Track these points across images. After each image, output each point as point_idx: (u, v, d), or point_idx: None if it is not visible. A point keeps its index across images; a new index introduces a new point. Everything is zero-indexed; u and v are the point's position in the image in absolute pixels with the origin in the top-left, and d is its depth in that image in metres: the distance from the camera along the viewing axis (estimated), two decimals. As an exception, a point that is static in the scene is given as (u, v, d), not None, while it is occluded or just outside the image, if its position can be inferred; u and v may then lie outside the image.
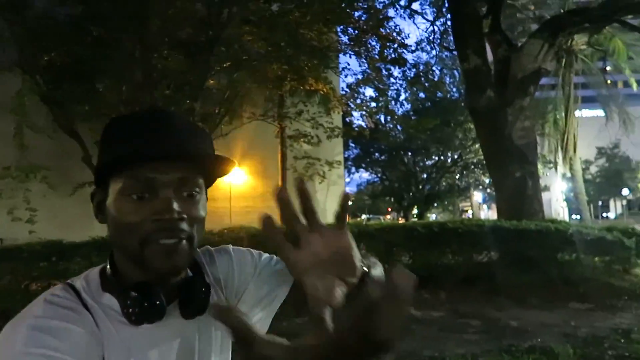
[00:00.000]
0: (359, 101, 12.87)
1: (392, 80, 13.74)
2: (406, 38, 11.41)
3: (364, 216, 37.00)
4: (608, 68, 21.66)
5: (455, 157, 23.41)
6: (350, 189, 34.01)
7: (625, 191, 49.41)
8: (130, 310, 0.69)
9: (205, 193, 0.77)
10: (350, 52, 11.14)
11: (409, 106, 23.18)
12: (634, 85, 20.79)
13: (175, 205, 0.69)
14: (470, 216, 33.41)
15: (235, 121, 11.05)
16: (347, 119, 14.62)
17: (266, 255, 0.91)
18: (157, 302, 0.70)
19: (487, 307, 6.47)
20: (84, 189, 8.71)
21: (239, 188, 14.16)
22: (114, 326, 0.69)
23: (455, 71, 21.87)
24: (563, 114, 20.39)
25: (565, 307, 6.53)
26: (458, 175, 23.87)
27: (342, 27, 11.05)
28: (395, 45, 10.87)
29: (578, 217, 26.03)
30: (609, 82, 21.92)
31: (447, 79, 22.81)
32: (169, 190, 0.70)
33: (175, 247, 0.69)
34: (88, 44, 7.64)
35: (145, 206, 0.69)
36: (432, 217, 29.60)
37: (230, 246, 0.91)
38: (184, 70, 8.24)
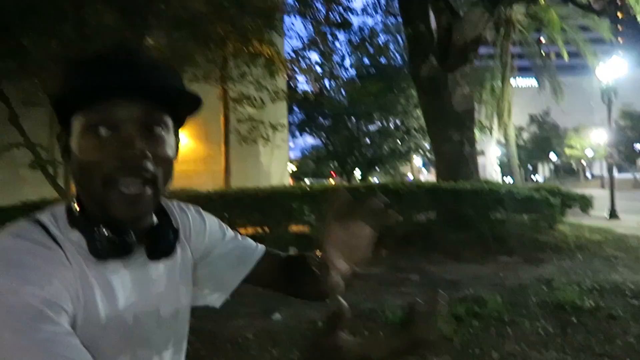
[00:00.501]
0: (304, 65, 12.79)
1: (337, 45, 13.71)
2: (352, 1, 11.37)
3: (308, 180, 37.27)
4: (542, 39, 22.59)
5: (398, 122, 23.86)
6: (294, 154, 34.07)
7: (552, 156, 52.51)
8: (98, 244, 0.67)
9: (174, 134, 0.74)
10: (295, 14, 10.94)
11: (353, 72, 23.27)
12: (566, 56, 21.84)
13: (138, 143, 0.66)
14: (411, 179, 34.44)
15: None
16: (292, 83, 14.50)
17: (225, 226, 0.95)
18: (125, 238, 0.69)
19: (425, 263, 6.81)
20: (10, 152, 8.19)
21: (181, 151, 13.73)
22: (83, 262, 0.68)
23: (399, 37, 22.09)
24: (499, 83, 21.21)
25: (496, 260, 6.99)
26: (400, 140, 24.38)
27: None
28: (341, 9, 10.78)
29: (510, 179, 27.50)
30: (542, 53, 22.91)
31: (392, 45, 23.02)
32: (132, 126, 0.66)
33: (138, 197, 0.67)
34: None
35: (107, 144, 0.66)
36: (374, 180, 30.26)
37: (200, 208, 0.93)
38: (120, 27, 7.81)
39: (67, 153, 0.71)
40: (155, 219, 0.78)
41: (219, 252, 0.90)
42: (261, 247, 0.95)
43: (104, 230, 0.68)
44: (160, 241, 0.75)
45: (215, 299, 0.94)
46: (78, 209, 0.70)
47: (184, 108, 0.74)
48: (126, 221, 0.68)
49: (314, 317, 4.40)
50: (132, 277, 0.73)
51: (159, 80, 0.69)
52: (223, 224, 0.95)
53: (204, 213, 0.92)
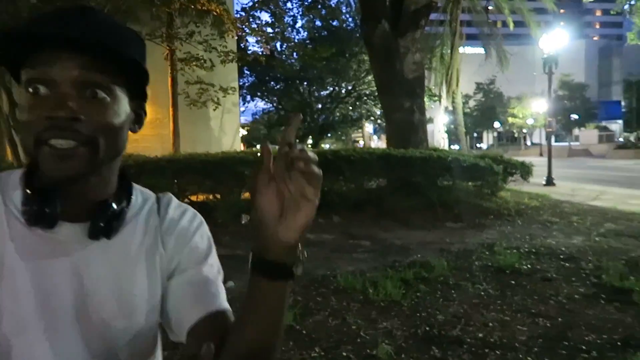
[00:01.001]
0: (254, 26, 12.39)
1: (288, 5, 13.35)
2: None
3: (258, 146, 36.88)
4: (490, 7, 22.98)
5: (349, 88, 23.84)
6: (246, 118, 33.49)
7: (496, 124, 54.42)
8: (25, 209, 0.65)
9: (124, 101, 0.69)
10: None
11: (305, 34, 22.86)
12: (511, 25, 22.39)
13: (72, 104, 0.62)
14: (362, 146, 34.82)
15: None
16: (242, 45, 14.07)
17: (211, 258, 0.83)
18: (47, 207, 0.65)
19: (375, 229, 6.98)
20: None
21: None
22: (13, 223, 0.66)
23: (351, 0, 21.80)
24: (449, 50, 21.52)
25: (442, 226, 7.26)
26: (351, 106, 24.43)
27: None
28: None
29: (457, 147, 28.36)
30: (490, 21, 23.36)
31: (344, 8, 22.70)
32: (69, 86, 0.63)
33: (70, 152, 0.63)
34: None
35: (42, 103, 0.62)
36: (326, 146, 30.36)
37: (201, 217, 0.85)
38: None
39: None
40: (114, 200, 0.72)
41: (186, 278, 0.78)
42: (225, 304, 0.79)
43: (28, 193, 0.65)
44: (99, 217, 0.69)
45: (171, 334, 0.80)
46: (27, 170, 0.69)
47: (134, 77, 0.69)
48: (57, 179, 0.64)
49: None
50: (63, 249, 0.68)
51: (100, 37, 0.63)
52: (214, 253, 0.84)
53: (201, 227, 0.84)
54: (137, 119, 0.75)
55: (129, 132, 0.73)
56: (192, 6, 9.90)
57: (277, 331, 0.69)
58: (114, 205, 0.71)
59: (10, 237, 0.66)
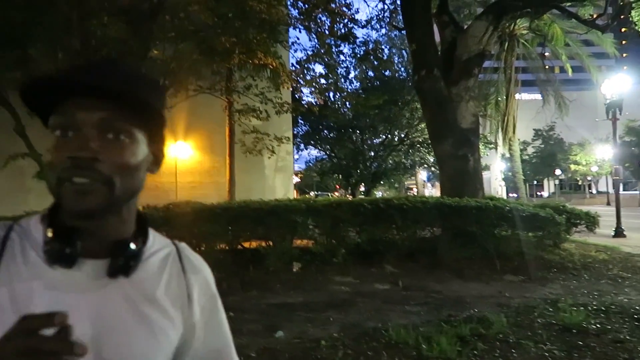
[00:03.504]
0: (308, 77, 12.78)
1: (341, 57, 13.71)
2: (356, 13, 11.38)
3: (312, 193, 37.21)
4: (546, 53, 22.63)
5: (402, 136, 23.84)
6: (299, 166, 34.06)
7: (557, 171, 52.32)
8: (46, 249, 0.68)
9: (143, 144, 0.73)
10: (300, 26, 10.98)
11: (358, 84, 23.30)
12: (569, 71, 21.86)
13: (93, 145, 0.66)
14: (415, 193, 34.38)
15: (180, 94, 10.71)
16: (297, 95, 14.50)
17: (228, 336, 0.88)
18: (67, 248, 0.67)
19: (429, 280, 6.73)
20: (16, 161, 8.23)
21: (185, 163, 13.84)
22: (34, 263, 0.69)
23: (403, 51, 22.14)
24: (504, 97, 21.21)
25: (501, 279, 6.90)
26: (404, 154, 24.34)
27: (292, 0, 10.87)
28: (346, 21, 10.80)
29: (515, 195, 27.38)
30: (546, 67, 22.94)
31: (396, 58, 23.07)
32: (91, 129, 0.67)
33: (87, 188, 0.66)
34: (20, 6, 7.11)
35: (66, 144, 0.67)
36: (378, 194, 30.18)
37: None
38: (125, 38, 7.85)
39: None
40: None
41: (204, 337, 0.82)
42: None
43: (49, 233, 0.68)
44: (118, 255, 0.71)
45: None
46: (51, 208, 0.72)
47: (153, 121, 0.73)
48: (76, 215, 0.67)
49: (318, 336, 4.34)
50: (81, 287, 0.69)
51: (121, 85, 0.68)
52: (225, 321, 0.88)
53: (216, 296, 0.86)
54: (155, 160, 0.78)
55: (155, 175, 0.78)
56: (250, 61, 10.37)
57: None
58: (132, 245, 0.73)
59: (32, 277, 0.68)
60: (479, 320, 4.69)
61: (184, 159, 13.84)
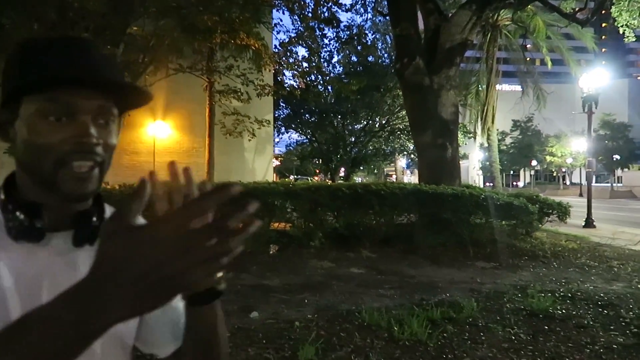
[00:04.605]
0: (291, 60, 12.68)
1: (325, 40, 13.63)
2: (340, -3, 11.25)
3: (292, 177, 37.17)
4: (528, 45, 22.86)
5: (383, 122, 23.91)
6: (279, 149, 33.94)
7: (534, 162, 53.28)
8: (11, 225, 0.69)
9: (118, 122, 0.77)
10: (283, 7, 10.86)
11: (340, 69, 23.24)
12: (549, 64, 22.15)
13: (93, 131, 0.70)
14: (394, 180, 34.67)
15: (160, 72, 10.52)
16: (279, 78, 14.39)
17: None
18: (36, 221, 0.69)
19: (404, 265, 6.85)
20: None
21: (164, 142, 13.67)
22: None
23: (387, 37, 22.11)
24: (484, 87, 21.41)
25: (473, 265, 7.07)
26: (384, 140, 24.45)
27: (276, -20, 10.72)
28: (330, 4, 10.72)
29: (491, 184, 27.84)
30: (527, 59, 23.19)
31: (380, 44, 23.03)
32: (87, 115, 0.70)
33: (88, 174, 0.70)
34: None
35: (63, 129, 0.69)
36: (358, 180, 30.32)
37: None
38: (105, 12, 7.66)
39: (4, 133, 0.74)
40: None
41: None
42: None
43: (17, 212, 0.69)
44: (83, 225, 0.74)
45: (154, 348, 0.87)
46: (4, 191, 0.73)
47: (131, 101, 0.77)
48: (73, 198, 0.71)
49: (292, 317, 4.40)
50: (49, 261, 0.71)
51: (114, 74, 0.74)
52: None
53: None
54: (118, 132, 0.81)
55: None
56: (232, 41, 10.24)
57: (223, 342, 0.78)
58: (93, 213, 0.76)
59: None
60: (450, 304, 4.82)
61: (163, 139, 13.67)
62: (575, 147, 45.07)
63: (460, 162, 11.29)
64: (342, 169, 25.77)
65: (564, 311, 4.75)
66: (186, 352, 0.80)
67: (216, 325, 0.76)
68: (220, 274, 0.68)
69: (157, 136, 13.49)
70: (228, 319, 4.31)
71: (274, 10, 11.72)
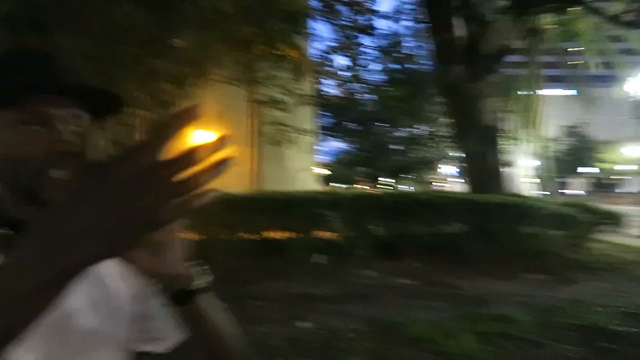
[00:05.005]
0: (330, 69, 12.74)
1: (364, 49, 13.63)
2: (376, 4, 11.27)
3: (335, 185, 37.12)
4: (573, 49, 22.08)
5: (426, 129, 23.64)
6: (322, 158, 34.04)
7: (585, 169, 51.25)
8: None
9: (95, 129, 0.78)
10: (321, 18, 10.93)
11: (380, 77, 23.17)
12: (597, 67, 21.30)
13: (68, 138, 0.71)
14: (439, 188, 34.14)
15: (203, 84, 10.77)
16: (319, 87, 14.49)
17: None
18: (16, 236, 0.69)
19: (452, 276, 6.67)
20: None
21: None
22: None
23: (426, 44, 21.87)
24: (529, 92, 20.79)
25: (524, 277, 6.80)
26: (428, 147, 24.15)
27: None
28: (366, 15, 10.72)
29: (541, 192, 26.91)
30: (573, 62, 22.40)
31: (419, 51, 22.82)
32: (62, 124, 0.71)
33: (64, 180, 0.69)
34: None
35: (39, 138, 0.69)
36: (401, 188, 29.99)
37: None
38: (147, 26, 7.90)
39: None
40: None
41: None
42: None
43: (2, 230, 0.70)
44: None
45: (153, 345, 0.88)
46: None
47: (106, 108, 0.78)
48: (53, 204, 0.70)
49: (339, 327, 4.37)
50: None
51: (82, 81, 0.76)
52: None
53: None
54: None
55: None
56: (272, 52, 10.37)
57: (221, 339, 0.79)
58: None
59: None
60: (501, 318, 4.65)
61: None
62: (628, 154, 43.08)
63: (507, 169, 10.98)
64: (386, 177, 25.58)
65: (624, 327, 4.49)
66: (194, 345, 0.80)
67: (207, 322, 0.75)
68: (193, 271, 0.71)
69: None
70: (276, 328, 4.33)
71: (313, 21, 11.81)
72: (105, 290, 0.81)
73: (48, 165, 0.69)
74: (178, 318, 0.74)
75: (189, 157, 0.43)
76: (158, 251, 0.64)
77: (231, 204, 7.10)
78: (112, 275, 0.83)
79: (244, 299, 4.76)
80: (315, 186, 16.62)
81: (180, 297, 0.71)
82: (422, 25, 19.85)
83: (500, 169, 9.92)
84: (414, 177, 31.47)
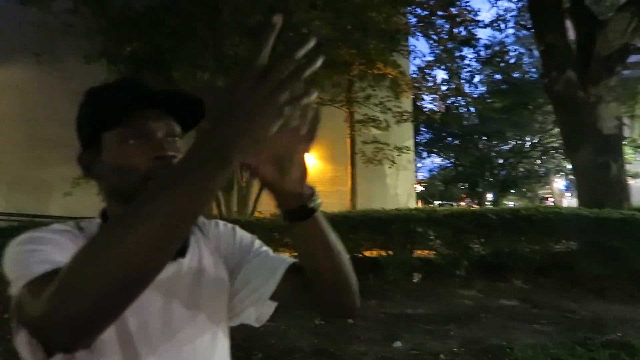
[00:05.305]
0: (429, 84, 12.55)
1: (464, 61, 13.25)
2: (477, 14, 10.87)
3: (436, 202, 36.15)
4: None
5: (535, 141, 22.24)
6: (422, 174, 33.38)
7: None
8: None
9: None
10: (419, 33, 10.85)
11: (483, 88, 22.30)
12: None
13: (167, 146, 0.82)
14: (551, 204, 31.78)
15: (304, 108, 11.14)
16: (418, 103, 14.29)
17: (257, 241, 1.01)
18: None
19: (563, 298, 6.16)
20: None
21: (309, 172, 14.37)
22: None
23: (534, 50, 20.70)
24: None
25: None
26: (537, 160, 22.67)
27: (410, 8, 10.78)
28: (466, 26, 10.43)
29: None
30: None
31: (525, 58, 21.64)
32: (159, 134, 0.83)
33: None
34: (165, 34, 8.03)
35: (142, 148, 0.81)
36: (509, 204, 28.37)
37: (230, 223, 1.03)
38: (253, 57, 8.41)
39: (91, 170, 0.87)
40: None
41: (250, 261, 0.95)
42: (291, 259, 0.95)
43: None
44: None
45: (253, 314, 0.95)
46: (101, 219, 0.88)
47: (193, 116, 0.88)
48: None
49: (437, 349, 4.23)
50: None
51: (168, 91, 0.85)
52: (255, 238, 1.01)
53: (233, 226, 1.03)
54: None
55: None
56: (370, 71, 10.49)
57: (334, 254, 0.84)
58: None
59: None
60: (621, 345, 4.19)
61: (308, 169, 14.39)
62: None
63: (632, 181, 9.95)
64: (490, 193, 24.40)
65: None
66: (310, 271, 0.86)
67: (324, 238, 0.83)
68: (312, 195, 0.80)
69: (302, 167, 14.26)
70: (371, 347, 4.31)
71: (411, 37, 11.75)
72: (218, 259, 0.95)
73: (151, 171, 0.80)
74: (296, 237, 0.82)
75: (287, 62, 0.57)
76: (283, 169, 0.75)
77: (329, 222, 7.23)
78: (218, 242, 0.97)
79: (329, 318, 4.79)
80: (414, 204, 16.33)
81: (300, 214, 0.79)
82: (526, 32, 19.00)
83: (620, 181, 9.01)
84: (523, 193, 29.62)
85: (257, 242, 1.00)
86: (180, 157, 0.59)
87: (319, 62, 0.59)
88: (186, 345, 0.83)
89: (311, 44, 0.58)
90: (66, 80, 10.55)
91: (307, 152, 0.77)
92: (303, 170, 0.78)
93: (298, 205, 0.78)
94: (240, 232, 1.01)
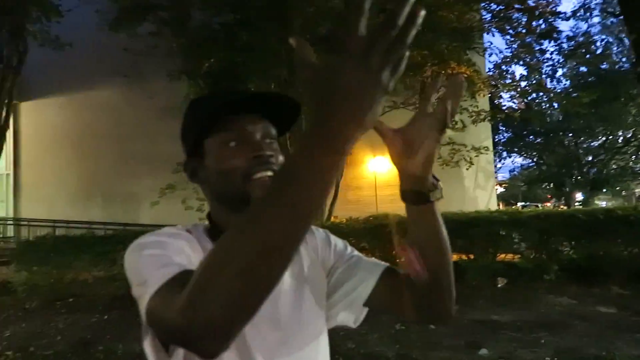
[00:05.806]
0: (507, 81, 12.02)
1: (545, 55, 12.56)
2: (558, 5, 10.25)
3: (519, 204, 34.48)
4: None
5: (628, 136, 20.58)
6: (503, 175, 31.98)
7: None
8: None
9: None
10: (494, 29, 10.42)
11: (567, 82, 21.00)
12: None
13: (265, 146, 0.86)
14: (649, 203, 29.15)
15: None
16: (495, 101, 13.72)
17: (349, 245, 1.03)
18: None
19: (668, 305, 5.62)
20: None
21: (384, 176, 14.23)
22: None
23: (625, 38, 19.19)
24: None
25: None
26: (632, 156, 20.94)
27: (484, 3, 10.40)
28: (546, 19, 9.87)
29: None
30: None
31: (615, 48, 20.12)
32: (259, 137, 0.87)
33: (269, 179, 0.84)
34: (239, 49, 8.36)
35: (242, 150, 0.85)
36: (601, 204, 26.39)
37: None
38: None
39: (196, 176, 0.91)
40: None
41: (345, 266, 0.97)
42: (385, 263, 0.96)
43: None
44: None
45: (347, 318, 0.97)
46: (210, 225, 0.92)
47: (287, 118, 0.92)
48: None
49: (526, 358, 4.01)
50: None
51: (271, 99, 0.88)
52: (347, 243, 1.03)
53: (325, 230, 1.05)
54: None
55: None
56: (443, 72, 10.24)
57: (441, 248, 0.85)
58: None
59: None
60: None
61: (383, 173, 14.24)
62: None
63: None
64: (579, 193, 22.86)
65: None
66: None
67: (432, 230, 0.84)
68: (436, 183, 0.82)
69: (377, 171, 14.13)
70: (454, 354, 4.17)
71: (485, 34, 11.33)
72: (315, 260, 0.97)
73: (251, 170, 0.84)
74: (411, 217, 0.85)
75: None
76: (410, 152, 0.79)
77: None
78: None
79: (422, 324, 4.69)
80: (495, 206, 15.66)
81: (414, 197, 0.82)
82: (614, 19, 17.68)
83: None
84: (617, 191, 27.45)
85: (350, 247, 1.02)
86: (293, 151, 0.58)
87: (422, 15, 0.51)
88: (297, 351, 0.85)
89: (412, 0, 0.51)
90: (152, 97, 11.32)
91: (439, 141, 0.78)
92: (430, 156, 0.79)
93: (416, 189, 0.81)
94: (334, 236, 1.03)
